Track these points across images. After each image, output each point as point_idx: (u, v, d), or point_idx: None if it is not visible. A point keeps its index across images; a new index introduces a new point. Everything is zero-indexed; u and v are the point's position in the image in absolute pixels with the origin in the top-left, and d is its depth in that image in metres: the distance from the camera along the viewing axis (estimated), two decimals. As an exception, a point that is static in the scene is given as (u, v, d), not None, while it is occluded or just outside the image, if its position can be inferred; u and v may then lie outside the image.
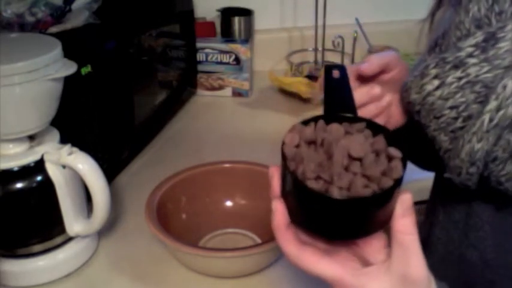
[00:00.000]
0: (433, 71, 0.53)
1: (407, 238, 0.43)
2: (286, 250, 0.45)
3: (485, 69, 0.49)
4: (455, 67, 0.51)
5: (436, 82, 0.52)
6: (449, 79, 0.51)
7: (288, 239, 0.45)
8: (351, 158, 0.43)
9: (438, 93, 0.52)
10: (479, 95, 0.50)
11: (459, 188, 0.54)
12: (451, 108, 0.52)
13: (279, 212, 0.47)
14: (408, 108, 0.58)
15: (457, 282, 0.61)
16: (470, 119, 0.51)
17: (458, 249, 0.63)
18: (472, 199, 0.60)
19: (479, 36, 0.50)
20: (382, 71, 0.67)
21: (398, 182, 0.42)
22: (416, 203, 0.57)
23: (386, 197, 0.42)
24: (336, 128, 0.45)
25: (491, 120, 0.48)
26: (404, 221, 0.43)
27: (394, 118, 0.69)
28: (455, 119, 0.52)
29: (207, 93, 1.28)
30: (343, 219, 0.43)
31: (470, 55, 0.50)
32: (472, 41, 0.51)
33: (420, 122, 0.56)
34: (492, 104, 0.48)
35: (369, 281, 0.43)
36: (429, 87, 0.53)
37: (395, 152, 0.44)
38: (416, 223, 0.44)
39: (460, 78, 0.51)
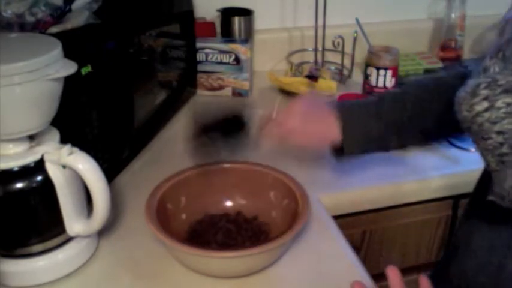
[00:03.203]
0: (484, 92, 0.52)
1: None
2: None
3: None
4: (506, 92, 0.50)
5: (486, 104, 0.52)
6: (499, 103, 0.51)
7: None
8: None
9: (487, 115, 0.52)
10: None
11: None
12: (498, 133, 0.51)
13: None
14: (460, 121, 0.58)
15: None
16: None
17: (499, 258, 0.62)
18: None
19: None
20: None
21: None
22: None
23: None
24: None
25: None
26: None
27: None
28: (502, 144, 0.51)
29: (207, 93, 1.28)
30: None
31: None
32: None
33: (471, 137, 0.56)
34: None
35: None
36: (478, 108, 0.52)
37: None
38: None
39: (509, 104, 0.50)
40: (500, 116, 0.50)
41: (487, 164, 0.55)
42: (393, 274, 0.54)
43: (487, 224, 0.66)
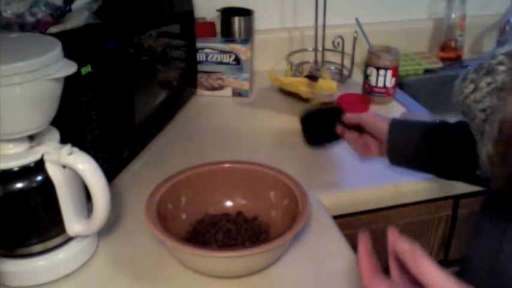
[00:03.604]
0: (471, 76, 0.58)
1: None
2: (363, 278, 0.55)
3: (510, 77, 0.53)
4: (488, 73, 0.56)
5: (472, 86, 0.57)
6: (482, 84, 0.56)
7: (366, 271, 0.54)
8: None
9: (473, 96, 0.57)
10: (503, 101, 0.53)
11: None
12: (481, 111, 0.56)
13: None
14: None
15: (490, 277, 0.65)
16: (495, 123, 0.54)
17: (498, 241, 0.65)
18: None
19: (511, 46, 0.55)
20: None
21: None
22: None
23: None
24: None
25: (500, 129, 0.52)
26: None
27: (371, 152, 0.93)
28: (484, 121, 0.56)
29: (207, 93, 1.28)
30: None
31: (501, 63, 0.55)
32: (505, 49, 0.55)
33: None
34: (500, 115, 0.52)
35: None
36: (466, 91, 0.58)
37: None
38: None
39: (489, 84, 0.55)
40: (483, 95, 0.56)
41: (477, 146, 0.58)
42: (393, 236, 0.55)
43: (491, 215, 0.69)
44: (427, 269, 0.48)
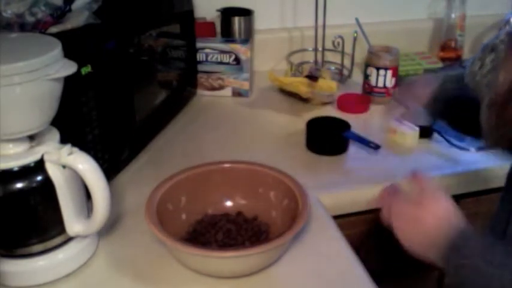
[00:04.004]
0: (479, 55, 0.64)
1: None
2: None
3: (505, 52, 0.58)
4: (492, 51, 0.62)
5: (479, 63, 0.63)
6: (487, 60, 0.62)
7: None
8: None
9: (480, 72, 0.63)
10: (497, 72, 0.58)
11: None
12: (486, 85, 0.61)
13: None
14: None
15: None
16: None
17: (507, 215, 0.68)
18: None
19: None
20: None
21: None
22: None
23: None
24: None
25: (494, 95, 0.56)
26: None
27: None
28: (488, 95, 0.59)
29: (207, 93, 1.28)
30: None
31: (502, 41, 0.60)
32: (508, 29, 0.61)
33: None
34: (494, 83, 0.56)
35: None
36: (475, 68, 0.64)
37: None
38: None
39: (492, 61, 0.61)
40: (487, 70, 0.62)
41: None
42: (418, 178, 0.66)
43: (506, 192, 0.74)
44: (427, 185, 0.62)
